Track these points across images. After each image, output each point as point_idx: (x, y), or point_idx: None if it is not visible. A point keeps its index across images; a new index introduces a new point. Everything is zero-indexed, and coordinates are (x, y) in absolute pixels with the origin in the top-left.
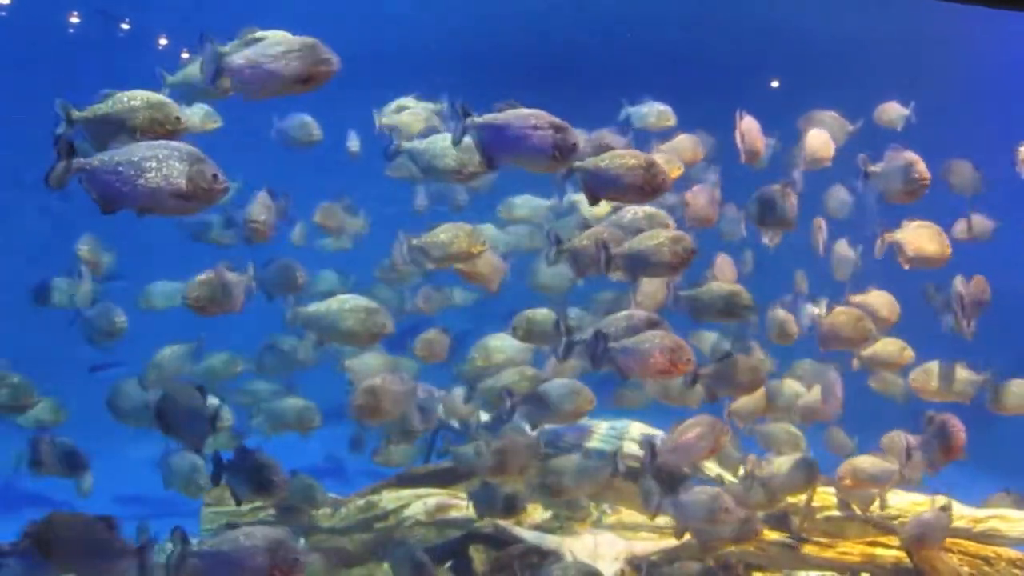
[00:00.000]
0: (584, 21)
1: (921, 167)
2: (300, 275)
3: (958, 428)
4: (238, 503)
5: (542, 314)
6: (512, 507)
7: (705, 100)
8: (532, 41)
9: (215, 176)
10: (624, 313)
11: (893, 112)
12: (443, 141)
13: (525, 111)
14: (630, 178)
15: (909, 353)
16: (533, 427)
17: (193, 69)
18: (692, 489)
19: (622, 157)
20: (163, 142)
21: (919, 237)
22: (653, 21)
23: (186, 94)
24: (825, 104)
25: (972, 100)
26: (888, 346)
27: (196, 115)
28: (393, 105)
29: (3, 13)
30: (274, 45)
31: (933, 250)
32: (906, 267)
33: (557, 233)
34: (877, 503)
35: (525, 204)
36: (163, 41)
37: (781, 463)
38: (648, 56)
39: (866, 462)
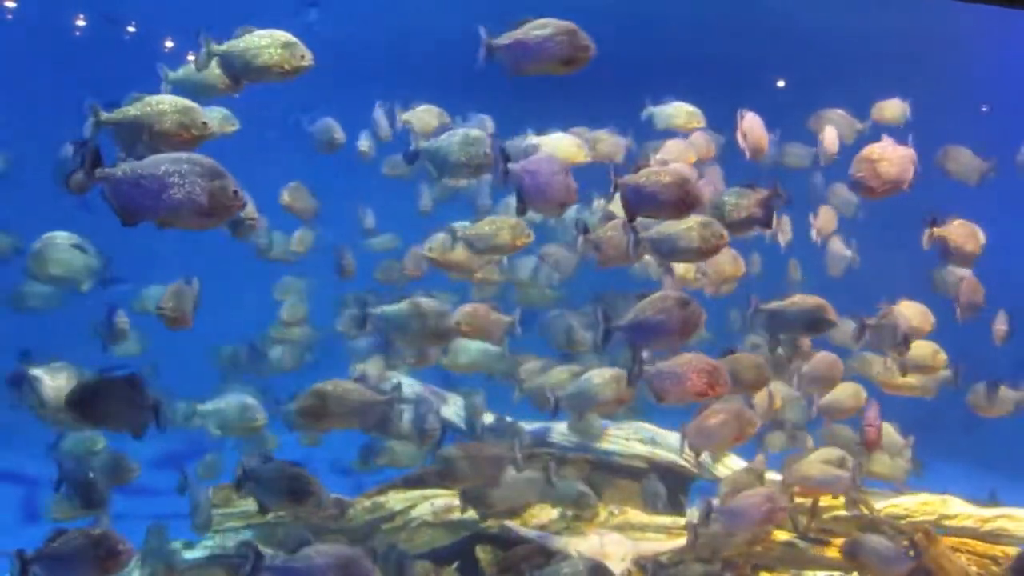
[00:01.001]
0: (589, 21)
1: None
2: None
3: (869, 422)
4: (264, 513)
5: (485, 309)
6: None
7: (711, 100)
8: None
9: (235, 192)
10: (658, 295)
11: (895, 109)
12: (451, 138)
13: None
14: (666, 195)
15: (942, 356)
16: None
17: (193, 66)
18: (740, 494)
19: (658, 175)
20: (185, 155)
21: (961, 235)
22: (658, 21)
23: (187, 91)
24: (830, 103)
25: (977, 98)
26: (923, 349)
27: (214, 118)
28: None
29: (9, 17)
30: (541, 27)
31: (971, 248)
32: (948, 263)
33: (585, 222)
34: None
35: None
36: (169, 44)
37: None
38: (652, 56)
39: (814, 469)
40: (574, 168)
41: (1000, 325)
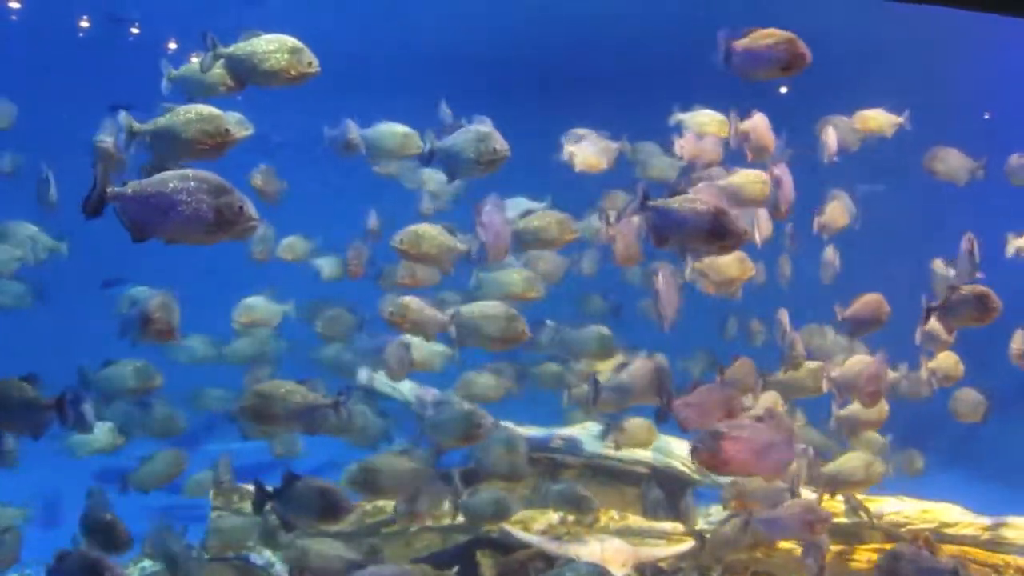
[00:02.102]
0: (593, 28)
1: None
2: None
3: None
4: (288, 530)
5: (419, 302)
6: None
7: (715, 105)
8: (541, 47)
9: (241, 208)
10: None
11: (880, 119)
12: (463, 135)
13: None
14: (697, 224)
15: (961, 367)
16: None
17: (196, 65)
18: (782, 503)
19: (692, 201)
20: (192, 172)
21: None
22: (661, 27)
23: (188, 89)
24: (834, 109)
25: (980, 105)
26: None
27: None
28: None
29: (14, 17)
30: (767, 36)
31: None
32: None
33: (608, 213)
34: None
35: (516, 207)
36: (172, 45)
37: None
38: (655, 62)
39: (753, 482)
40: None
41: (1017, 344)
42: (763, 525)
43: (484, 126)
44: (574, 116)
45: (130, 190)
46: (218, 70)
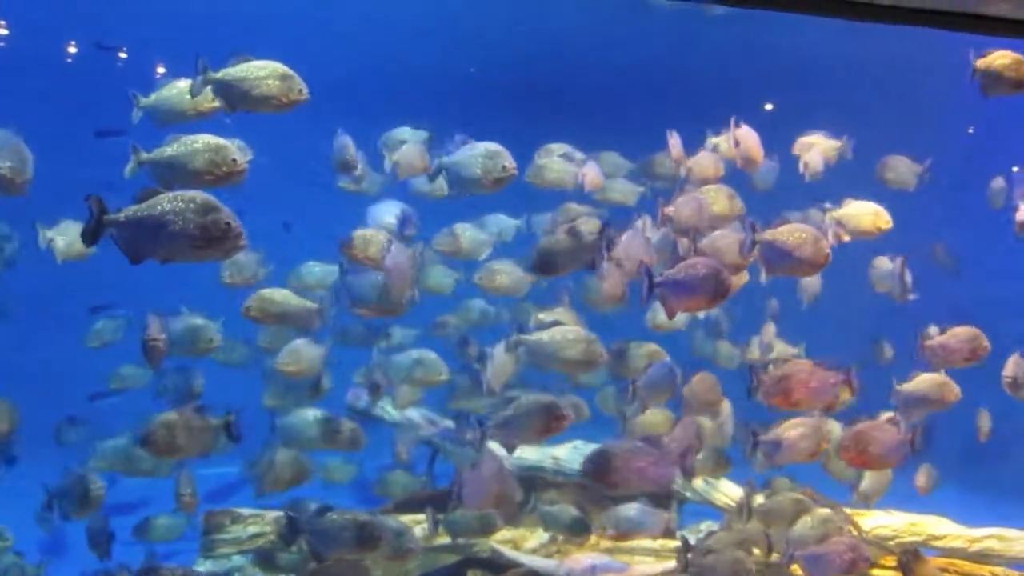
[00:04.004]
0: (576, 46)
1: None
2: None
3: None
4: (320, 561)
5: (281, 294)
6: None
7: (700, 123)
8: (525, 67)
9: (228, 224)
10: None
11: (825, 144)
12: (470, 151)
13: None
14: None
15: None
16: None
17: (167, 91)
18: (826, 540)
19: (694, 265)
20: (181, 194)
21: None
22: (645, 45)
23: (160, 116)
24: (817, 127)
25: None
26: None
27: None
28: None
29: (1, 44)
30: (1002, 57)
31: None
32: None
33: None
34: None
35: (495, 223)
36: (161, 70)
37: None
38: (639, 80)
39: (630, 509)
40: None
41: (1009, 371)
42: (806, 561)
43: (492, 144)
44: (552, 133)
45: (123, 216)
46: (187, 97)
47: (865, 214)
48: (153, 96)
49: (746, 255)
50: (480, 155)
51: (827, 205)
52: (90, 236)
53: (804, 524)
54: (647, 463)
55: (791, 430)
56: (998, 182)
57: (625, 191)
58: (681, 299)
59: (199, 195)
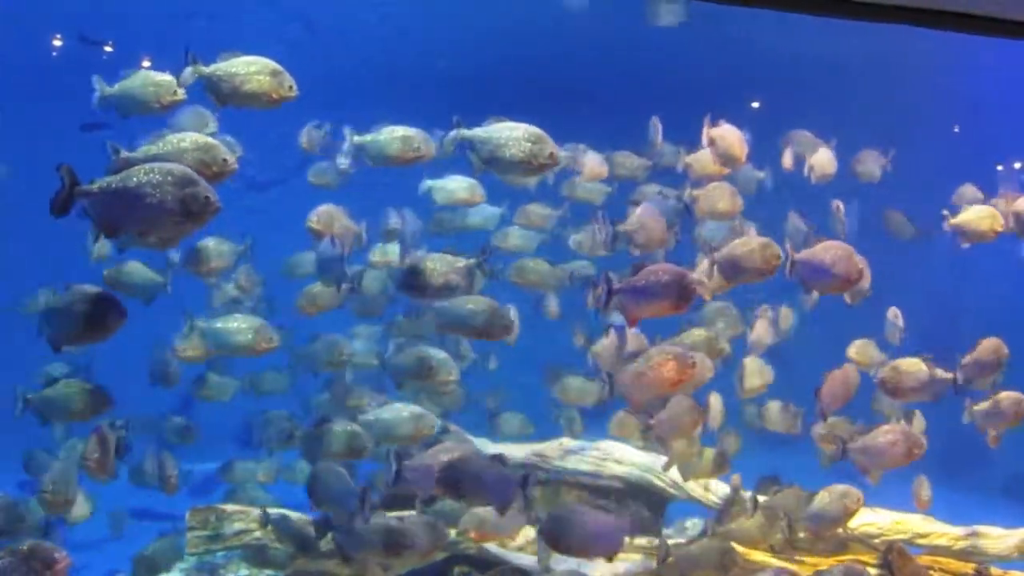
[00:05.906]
0: (566, 47)
1: None
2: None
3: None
4: (348, 562)
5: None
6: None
7: (686, 121)
8: (516, 62)
9: (207, 198)
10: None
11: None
12: (507, 131)
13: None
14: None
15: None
16: None
17: (131, 81)
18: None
19: (656, 272)
20: (158, 166)
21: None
22: (631, 44)
23: (122, 106)
24: (803, 125)
25: (950, 119)
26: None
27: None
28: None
29: None
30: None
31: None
32: None
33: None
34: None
35: (479, 213)
36: (146, 64)
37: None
38: (627, 78)
39: (488, 512)
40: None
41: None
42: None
43: (532, 127)
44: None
45: (96, 187)
46: (151, 88)
47: (984, 217)
48: (117, 86)
49: (787, 275)
50: (522, 137)
51: (944, 212)
52: (60, 207)
53: (822, 500)
54: (598, 530)
55: (880, 437)
56: (971, 190)
57: (593, 190)
58: (641, 306)
59: (176, 167)
